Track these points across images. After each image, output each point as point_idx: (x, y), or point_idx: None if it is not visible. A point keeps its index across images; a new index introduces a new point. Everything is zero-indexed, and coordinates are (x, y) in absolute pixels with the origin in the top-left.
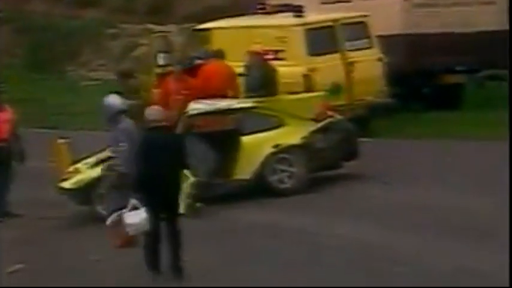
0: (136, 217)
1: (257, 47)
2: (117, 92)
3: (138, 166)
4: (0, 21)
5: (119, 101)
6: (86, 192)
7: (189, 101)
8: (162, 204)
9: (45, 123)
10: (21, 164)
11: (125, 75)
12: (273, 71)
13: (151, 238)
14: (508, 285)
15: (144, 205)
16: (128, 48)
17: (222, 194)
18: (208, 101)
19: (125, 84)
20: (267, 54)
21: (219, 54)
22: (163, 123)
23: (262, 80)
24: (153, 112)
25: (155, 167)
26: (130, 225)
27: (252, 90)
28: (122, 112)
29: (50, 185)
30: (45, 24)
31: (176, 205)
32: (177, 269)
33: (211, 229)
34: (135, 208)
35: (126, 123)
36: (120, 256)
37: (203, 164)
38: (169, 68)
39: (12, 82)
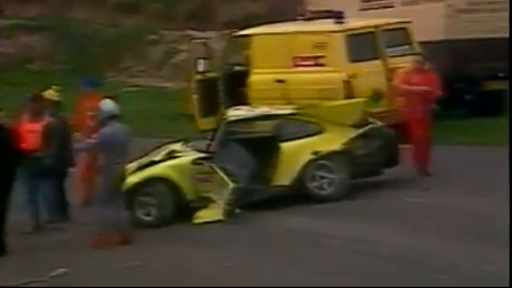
0: None
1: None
2: (111, 97)
3: None
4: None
5: (112, 106)
6: (126, 197)
7: None
8: None
9: None
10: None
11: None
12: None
13: None
14: (508, 285)
15: None
16: (167, 55)
17: (261, 200)
18: (247, 107)
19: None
20: None
21: None
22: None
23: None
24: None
25: None
26: None
27: None
28: (113, 117)
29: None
30: (86, 31)
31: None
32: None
33: (250, 235)
34: None
35: (112, 128)
36: (160, 260)
37: (242, 169)
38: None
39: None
